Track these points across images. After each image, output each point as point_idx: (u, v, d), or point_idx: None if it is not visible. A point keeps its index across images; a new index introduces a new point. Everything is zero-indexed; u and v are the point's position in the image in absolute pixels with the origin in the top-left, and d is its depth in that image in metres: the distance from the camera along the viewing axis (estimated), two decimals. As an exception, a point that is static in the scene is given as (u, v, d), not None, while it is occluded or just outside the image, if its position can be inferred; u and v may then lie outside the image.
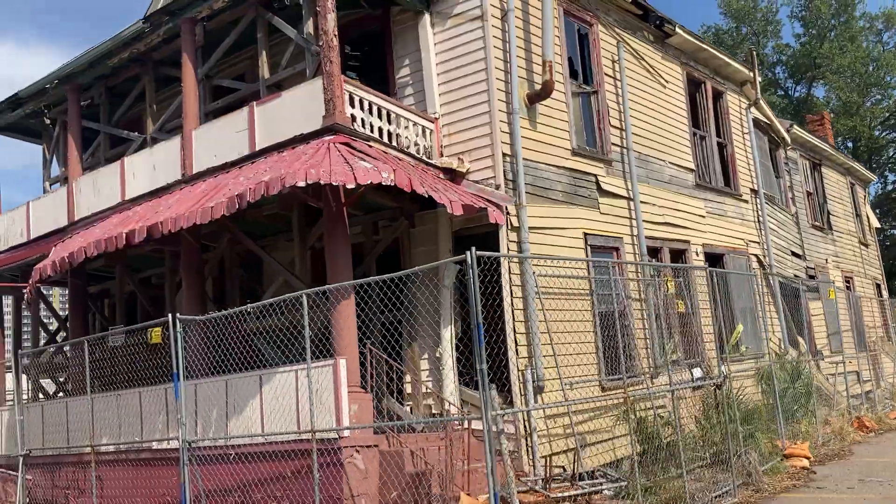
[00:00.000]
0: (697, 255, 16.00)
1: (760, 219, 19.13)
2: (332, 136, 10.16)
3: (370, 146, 10.49)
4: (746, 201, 18.78)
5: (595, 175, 13.30)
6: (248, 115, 11.39)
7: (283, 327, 10.80)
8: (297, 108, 10.81)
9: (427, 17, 12.29)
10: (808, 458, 12.74)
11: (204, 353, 11.30)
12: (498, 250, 11.11)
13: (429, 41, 12.21)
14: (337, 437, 9.41)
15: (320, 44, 10.59)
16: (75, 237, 13.42)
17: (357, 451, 9.57)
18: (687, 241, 15.74)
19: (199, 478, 10.21)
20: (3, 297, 16.24)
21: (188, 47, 12.44)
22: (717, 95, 18.42)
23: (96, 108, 15.07)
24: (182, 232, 10.91)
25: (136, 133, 14.65)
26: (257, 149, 11.20)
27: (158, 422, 11.61)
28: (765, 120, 20.70)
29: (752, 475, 11.23)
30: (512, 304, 10.96)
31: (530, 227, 11.42)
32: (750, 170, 19.29)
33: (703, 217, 16.61)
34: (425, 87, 12.17)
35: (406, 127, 11.48)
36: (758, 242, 18.84)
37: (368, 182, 9.19)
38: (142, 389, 12.01)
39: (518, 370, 10.83)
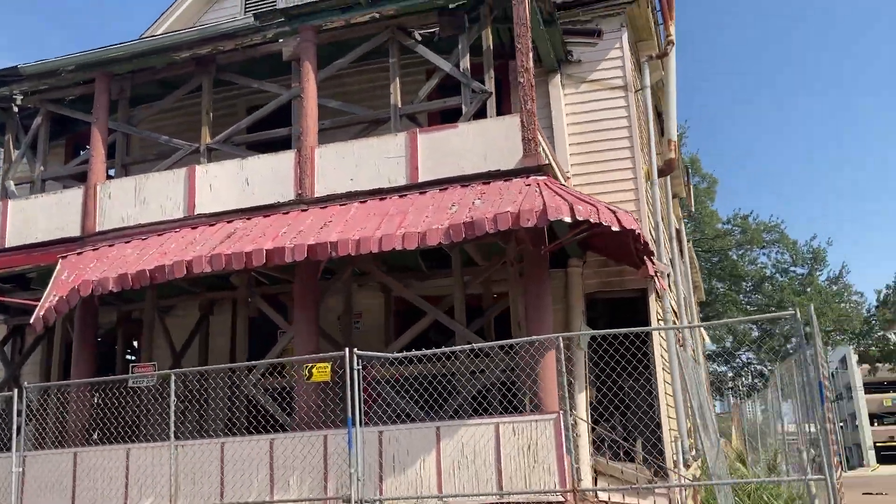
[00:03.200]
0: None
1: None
2: (542, 177, 9.59)
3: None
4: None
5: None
6: (409, 143, 10.40)
7: (422, 376, 9.69)
8: (481, 142, 10.10)
9: (558, 76, 12.24)
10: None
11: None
12: (642, 317, 11.03)
13: (560, 100, 12.12)
14: (562, 499, 8.51)
15: (520, 80, 10.08)
16: (110, 250, 11.08)
17: (570, 517, 8.70)
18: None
19: (364, 547, 8.60)
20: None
21: (309, 56, 11.16)
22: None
23: (113, 104, 12.73)
24: (308, 259, 9.53)
25: (166, 137, 12.55)
26: (420, 179, 10.22)
27: (256, 479, 9.63)
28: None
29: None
30: (662, 375, 10.82)
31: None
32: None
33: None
34: (555, 144, 11.97)
35: (551, 180, 11.16)
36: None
37: (631, 229, 8.78)
38: (225, 440, 9.96)
39: (670, 441, 10.61)
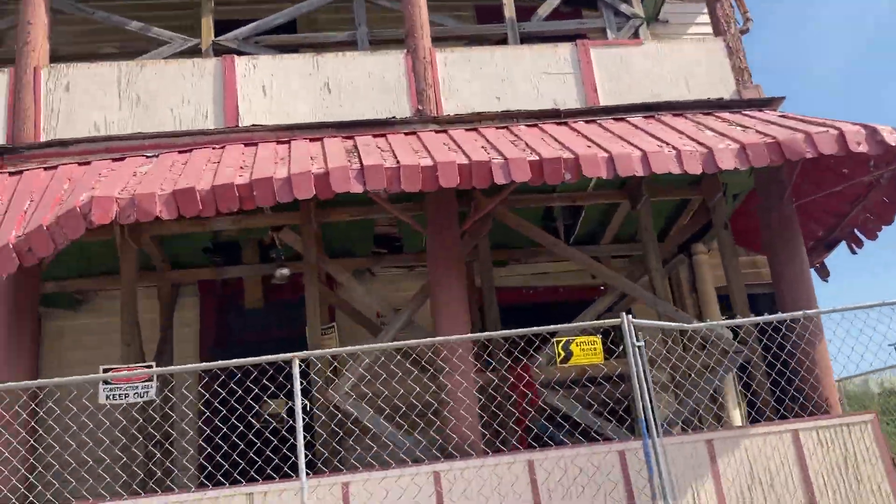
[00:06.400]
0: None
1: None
2: (776, 113, 7.44)
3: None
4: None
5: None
6: (578, 57, 7.62)
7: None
8: (674, 66, 7.75)
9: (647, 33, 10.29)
10: None
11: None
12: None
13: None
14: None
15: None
16: (84, 169, 6.56)
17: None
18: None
19: None
20: None
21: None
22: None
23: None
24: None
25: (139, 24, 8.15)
26: (602, 103, 7.47)
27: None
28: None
29: None
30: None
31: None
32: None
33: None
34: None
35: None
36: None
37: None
38: (401, 471, 5.91)
39: None
